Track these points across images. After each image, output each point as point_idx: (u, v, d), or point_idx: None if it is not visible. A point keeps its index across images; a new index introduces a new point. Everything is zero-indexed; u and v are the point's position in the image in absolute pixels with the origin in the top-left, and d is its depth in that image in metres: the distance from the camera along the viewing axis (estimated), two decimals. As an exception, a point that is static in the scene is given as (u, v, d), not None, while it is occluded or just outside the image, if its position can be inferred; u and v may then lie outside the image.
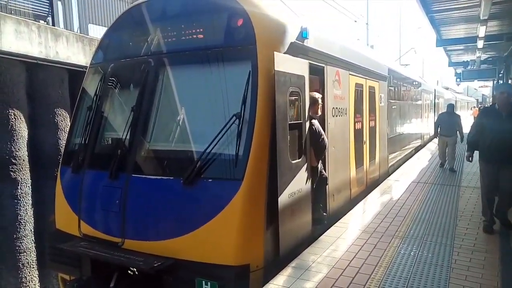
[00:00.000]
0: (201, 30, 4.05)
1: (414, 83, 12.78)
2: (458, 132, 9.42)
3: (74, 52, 6.55)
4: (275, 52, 3.76)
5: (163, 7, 4.39)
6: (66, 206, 4.38)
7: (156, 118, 4.11)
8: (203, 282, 3.33)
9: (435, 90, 18.71)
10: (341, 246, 4.45)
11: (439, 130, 9.61)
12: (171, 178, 3.83)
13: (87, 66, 6.66)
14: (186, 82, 4.19)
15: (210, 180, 3.64)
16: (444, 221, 5.36)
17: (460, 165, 9.72)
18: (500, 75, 21.42)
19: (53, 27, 6.46)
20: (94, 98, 4.56)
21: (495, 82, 26.84)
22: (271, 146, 3.69)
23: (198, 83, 4.09)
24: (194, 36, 4.08)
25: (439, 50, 17.41)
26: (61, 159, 4.80)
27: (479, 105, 44.36)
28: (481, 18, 9.49)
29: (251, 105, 3.63)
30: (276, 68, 3.74)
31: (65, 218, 4.40)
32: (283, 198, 3.84)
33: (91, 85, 4.80)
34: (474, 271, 3.81)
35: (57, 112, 6.32)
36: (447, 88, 33.80)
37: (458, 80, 25.97)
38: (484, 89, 46.02)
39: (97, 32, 7.63)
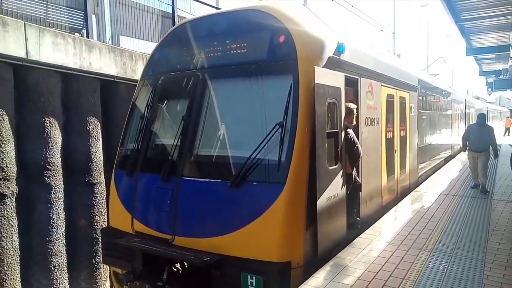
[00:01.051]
0: (246, 46, 4.37)
1: (444, 92, 12.73)
2: (491, 146, 8.03)
3: (106, 63, 6.82)
4: (315, 67, 4.04)
5: (209, 26, 4.77)
6: (120, 205, 4.77)
7: (204, 126, 4.44)
8: (248, 276, 3.61)
9: (465, 100, 18.47)
10: (372, 252, 4.45)
11: (467, 143, 8.31)
12: (218, 181, 4.12)
13: (117, 76, 6.95)
14: (232, 93, 4.53)
15: (255, 183, 3.90)
16: (475, 235, 5.18)
17: (492, 178, 9.34)
18: (535, 84, 20.61)
19: (87, 39, 6.76)
20: (146, 108, 4.93)
21: (529, 91, 25.80)
22: (311, 153, 3.95)
23: (243, 94, 4.43)
24: (239, 51, 4.39)
25: (470, 59, 16.96)
26: (115, 164, 5.19)
27: None
28: (514, 26, 9.22)
29: (293, 115, 3.92)
30: (316, 81, 4.00)
31: (119, 216, 4.78)
32: (321, 202, 4.08)
33: (142, 96, 5.20)
34: (508, 287, 3.66)
35: (89, 120, 6.56)
36: (478, 98, 32.75)
37: (490, 89, 25.15)
38: (518, 98, 44.25)
39: (128, 43, 7.93)
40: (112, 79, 6.98)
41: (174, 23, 8.42)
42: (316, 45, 4.31)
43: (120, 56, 7.01)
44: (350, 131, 4.86)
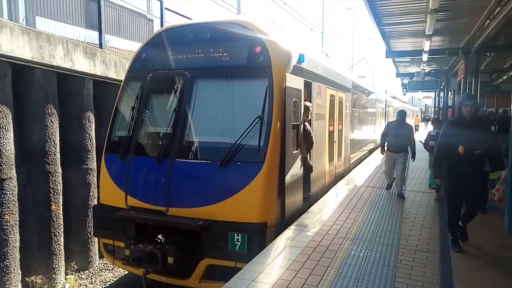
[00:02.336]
0: (229, 52, 5.30)
1: (370, 93, 14.60)
2: (409, 147, 7.37)
3: (19, 45, 6.13)
4: (286, 73, 5.16)
5: (196, 32, 5.52)
6: (113, 184, 5.40)
7: (193, 117, 5.25)
8: (235, 234, 4.58)
9: (386, 100, 20.99)
10: (323, 217, 5.30)
11: (386, 143, 7.59)
12: (208, 161, 5.02)
13: (33, 61, 6.28)
14: (217, 90, 5.38)
15: (239, 163, 4.86)
16: (391, 223, 5.65)
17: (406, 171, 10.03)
18: (441, 87, 23.05)
19: (-5, 17, 6.01)
20: (136, 101, 5.58)
21: (436, 93, 28.82)
22: (281, 140, 5.00)
23: (227, 92, 5.26)
24: (223, 56, 5.33)
25: (388, 61, 18.39)
26: (104, 149, 5.76)
27: (425, 115, 47.30)
28: (426, 33, 10.17)
29: (269, 110, 4.93)
30: (287, 85, 5.10)
31: (111, 194, 5.41)
32: (288, 178, 5.20)
33: (131, 89, 5.82)
34: (417, 269, 4.05)
35: (-3, 108, 5.87)
36: (394, 97, 35.74)
37: (405, 90, 27.56)
38: (427, 99, 49.17)
39: (46, 25, 7.19)
40: (26, 64, 6.30)
41: (99, 7, 7.85)
42: (285, 55, 5.35)
43: (36, 38, 6.34)
44: (307, 124, 6.04)
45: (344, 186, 8.31)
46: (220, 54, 5.34)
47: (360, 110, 12.12)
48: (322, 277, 3.84)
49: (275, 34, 5.47)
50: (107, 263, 7.44)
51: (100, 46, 7.85)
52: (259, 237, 4.64)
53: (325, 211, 6.25)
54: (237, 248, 4.58)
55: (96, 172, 7.44)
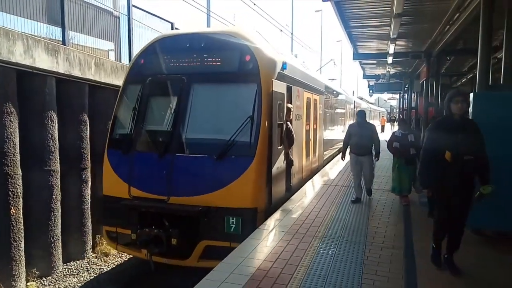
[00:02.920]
0: (221, 59, 5.92)
1: (340, 95, 15.61)
2: (373, 147, 7.11)
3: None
4: (272, 79, 5.89)
5: (191, 41, 6.12)
6: (116, 177, 5.88)
7: (190, 117, 5.82)
8: (230, 218, 5.26)
9: (354, 101, 22.22)
10: (304, 203, 5.96)
11: (349, 147, 7.22)
12: (205, 156, 5.57)
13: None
14: (212, 93, 6.04)
15: (233, 157, 5.50)
16: (358, 221, 5.80)
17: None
18: (405, 88, 23.92)
19: None
20: (136, 101, 6.09)
21: (401, 95, 29.87)
22: (269, 137, 5.71)
23: (221, 95, 5.98)
24: (216, 63, 5.92)
25: (355, 63, 18.87)
26: (106, 145, 6.21)
27: (391, 116, 48.82)
28: (391, 36, 10.51)
29: (258, 111, 5.59)
30: (273, 89, 5.86)
31: (115, 186, 5.88)
32: (274, 170, 5.93)
33: (131, 92, 6.31)
34: (383, 266, 4.18)
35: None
36: (361, 98, 36.71)
37: (371, 91, 28.37)
38: (392, 100, 50.85)
39: (4, 20, 6.81)
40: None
41: (62, 2, 7.54)
42: (271, 63, 6.05)
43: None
44: (289, 123, 6.71)
45: (315, 185, 8.57)
46: (214, 61, 5.95)
47: (332, 111, 13.00)
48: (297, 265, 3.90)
49: (262, 44, 6.20)
50: (71, 268, 7.18)
51: (64, 42, 7.55)
52: (251, 220, 5.36)
53: (304, 199, 7.18)
54: (231, 230, 5.28)
55: (59, 174, 7.15)
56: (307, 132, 8.82)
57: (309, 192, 7.83)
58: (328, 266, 4.14)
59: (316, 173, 10.01)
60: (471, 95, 5.01)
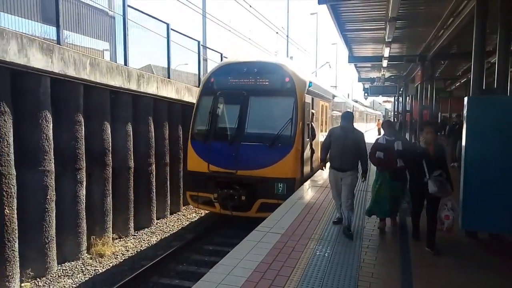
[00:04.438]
0: (269, 80, 8.62)
1: (342, 100, 18.44)
2: (359, 162, 5.46)
3: (-31, 39, 5.73)
4: (304, 94, 8.68)
5: (248, 67, 8.81)
6: (198, 158, 8.63)
7: (250, 118, 8.53)
8: (278, 184, 7.96)
9: (353, 105, 24.05)
10: (323, 177, 6.71)
11: (328, 157, 5.75)
12: (261, 144, 8.24)
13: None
14: (263, 103, 8.64)
15: (279, 145, 8.18)
16: (355, 223, 5.82)
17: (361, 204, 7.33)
18: (400, 92, 24.08)
19: None
20: (211, 107, 8.79)
21: (395, 98, 30.07)
22: (301, 133, 8.45)
23: (269, 104, 8.65)
24: (266, 83, 8.62)
25: (351, 66, 18.96)
26: (189, 137, 9.02)
27: (387, 119, 49.02)
28: (386, 40, 10.60)
29: (295, 115, 8.35)
30: (305, 101, 8.76)
31: (197, 164, 8.61)
32: (304, 154, 8.62)
33: (205, 101, 9.07)
34: (379, 268, 4.21)
35: None
36: (356, 101, 36.90)
37: (366, 94, 28.53)
38: (387, 104, 51.12)
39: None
40: (-24, 59, 5.90)
41: (57, 0, 7.48)
42: (302, 83, 8.80)
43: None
44: (312, 123, 9.46)
45: (299, 198, 7.67)
46: (264, 81, 8.63)
47: (336, 114, 15.04)
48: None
49: (297, 69, 9.10)
50: (66, 269, 7.12)
51: (58, 42, 7.49)
52: (291, 185, 8.01)
53: (323, 175, 7.74)
54: (279, 192, 7.92)
55: (54, 174, 7.09)
56: (321, 130, 11.32)
57: (306, 193, 7.91)
58: (325, 268, 4.16)
59: None
60: (465, 99, 5.07)
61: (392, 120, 22.74)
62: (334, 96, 14.65)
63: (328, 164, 5.83)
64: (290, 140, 8.14)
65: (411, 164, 5.02)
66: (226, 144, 8.36)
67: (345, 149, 5.34)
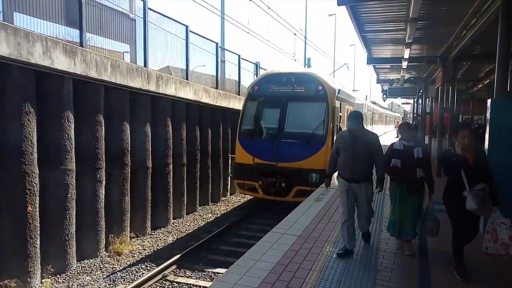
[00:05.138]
0: (305, 88, 10.31)
1: (362, 103, 20.55)
2: (374, 168, 4.78)
3: (-4, 41, 5.94)
4: (334, 100, 10.16)
5: (287, 77, 10.55)
6: (245, 152, 10.36)
7: (289, 120, 10.14)
8: (312, 174, 9.47)
9: (372, 108, 26.30)
10: None
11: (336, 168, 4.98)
12: (298, 141, 9.83)
13: (10, 58, 6.08)
14: (301, 107, 10.15)
15: (314, 142, 9.69)
16: (372, 226, 5.73)
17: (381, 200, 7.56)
18: (420, 93, 23.62)
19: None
20: (256, 111, 10.58)
21: (415, 99, 29.53)
22: (332, 132, 9.82)
23: (305, 108, 10.15)
24: (302, 90, 10.29)
25: (369, 67, 18.74)
26: (237, 135, 10.79)
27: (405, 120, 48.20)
28: (406, 41, 10.40)
29: (326, 118, 9.92)
30: (334, 105, 10.18)
31: (244, 157, 10.35)
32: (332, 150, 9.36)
33: (251, 105, 10.81)
34: (397, 272, 4.13)
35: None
36: (374, 103, 36.43)
37: (385, 96, 28.09)
38: (406, 106, 50.29)
39: (24, 22, 6.98)
40: (3, 61, 6.11)
41: (80, 4, 7.68)
42: (333, 91, 10.37)
43: (13, 35, 6.15)
44: (339, 124, 10.72)
45: (314, 200, 7.63)
46: (300, 89, 10.32)
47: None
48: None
49: (328, 79, 11.16)
50: (85, 266, 7.27)
51: (81, 44, 7.68)
52: (323, 175, 7.85)
53: (312, 212, 6.56)
54: (313, 181, 9.40)
55: (74, 173, 7.26)
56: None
57: (322, 195, 7.85)
58: (342, 271, 4.11)
59: None
60: (489, 101, 4.93)
61: (410, 123, 22.23)
62: (356, 100, 16.82)
63: (335, 174, 5.03)
64: (322, 138, 9.72)
65: (450, 175, 4.20)
66: (269, 141, 10.04)
67: (356, 156, 4.57)
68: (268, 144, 9.93)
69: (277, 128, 10.13)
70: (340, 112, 11.23)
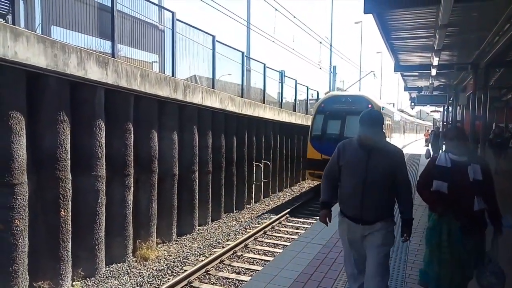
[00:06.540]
0: (358, 106, 13.42)
1: (396, 114, 23.14)
2: (399, 203, 3.22)
3: (35, 53, 6.27)
4: None
5: (346, 97, 14.82)
6: (314, 150, 14.34)
7: (346, 127, 13.75)
8: None
9: (401, 116, 27.11)
10: None
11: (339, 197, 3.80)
12: None
13: (47, 69, 6.42)
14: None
15: None
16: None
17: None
18: (450, 101, 22.97)
19: (13, 26, 6.17)
20: (323, 121, 14.51)
21: (445, 107, 28.71)
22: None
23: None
24: (357, 108, 13.25)
25: (396, 75, 18.43)
26: (309, 138, 14.75)
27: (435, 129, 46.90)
28: (435, 48, 10.19)
29: None
30: None
31: (314, 154, 14.32)
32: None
33: (319, 117, 14.68)
34: (426, 285, 4.00)
35: (11, 115, 5.98)
36: (402, 111, 35.68)
37: (413, 104, 27.47)
38: (435, 113, 48.92)
39: (60, 34, 7.35)
40: (41, 72, 6.44)
41: (113, 17, 8.01)
42: (378, 107, 13.85)
43: (51, 47, 6.49)
44: (384, 131, 11.01)
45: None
46: (355, 106, 13.62)
47: (394, 125, 20.51)
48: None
49: (375, 99, 15.39)
50: (113, 271, 7.46)
51: (113, 55, 7.99)
52: None
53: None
54: None
55: (104, 179, 7.50)
56: (387, 137, 14.17)
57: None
58: None
59: None
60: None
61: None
62: (391, 113, 20.68)
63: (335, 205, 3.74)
64: None
65: None
66: (332, 143, 11.52)
67: (369, 181, 3.00)
68: (331, 145, 11.78)
69: (338, 133, 13.67)
70: (385, 122, 14.14)
